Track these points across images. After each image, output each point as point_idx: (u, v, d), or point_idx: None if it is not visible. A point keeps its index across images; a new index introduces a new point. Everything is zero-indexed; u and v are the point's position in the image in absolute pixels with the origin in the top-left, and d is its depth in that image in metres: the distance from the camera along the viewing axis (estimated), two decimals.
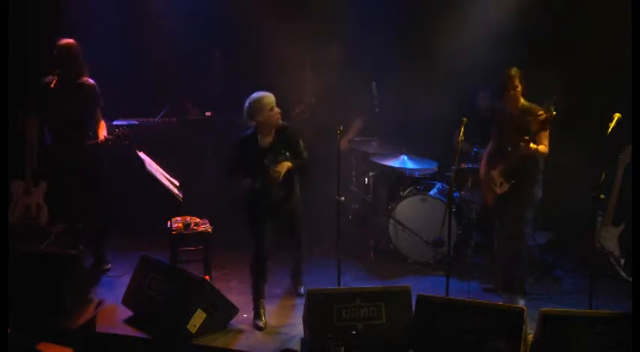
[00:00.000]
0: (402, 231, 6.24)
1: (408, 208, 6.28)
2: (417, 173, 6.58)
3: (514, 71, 5.10)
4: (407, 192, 6.40)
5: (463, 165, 6.19)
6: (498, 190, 5.28)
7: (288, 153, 5.09)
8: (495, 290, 5.53)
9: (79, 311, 4.69)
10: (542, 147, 5.04)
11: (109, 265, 5.93)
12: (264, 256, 5.14)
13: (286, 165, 5.03)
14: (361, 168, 6.73)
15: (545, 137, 5.05)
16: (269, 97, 5.07)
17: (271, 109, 5.06)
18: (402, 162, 6.47)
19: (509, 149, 5.13)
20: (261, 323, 4.98)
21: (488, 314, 4.26)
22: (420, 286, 5.34)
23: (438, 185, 6.47)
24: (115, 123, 6.51)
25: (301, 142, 5.21)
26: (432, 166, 6.56)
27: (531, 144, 4.94)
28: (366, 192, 6.66)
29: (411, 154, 6.53)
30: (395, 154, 6.52)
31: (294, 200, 5.21)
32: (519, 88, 5.11)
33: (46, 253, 5.25)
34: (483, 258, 6.21)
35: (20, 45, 6.43)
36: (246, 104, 5.06)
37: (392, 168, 6.48)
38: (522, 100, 5.16)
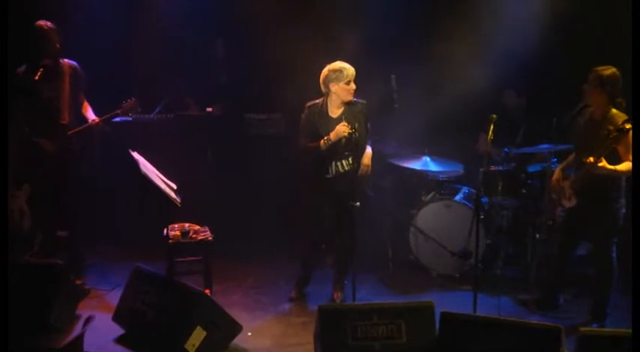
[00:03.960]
0: (424, 241, 6.04)
1: (430, 215, 6.10)
2: (440, 176, 6.43)
3: (595, 71, 4.77)
4: (429, 197, 6.27)
5: (492, 168, 6.07)
6: (567, 203, 5.04)
7: (357, 125, 5.15)
8: (530, 307, 5.37)
9: (65, 329, 4.55)
10: (624, 166, 4.61)
11: (82, 281, 5.63)
12: (318, 242, 5.49)
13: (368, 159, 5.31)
14: (379, 171, 6.39)
15: (627, 151, 4.60)
16: (349, 70, 5.18)
17: (348, 82, 5.18)
18: (425, 163, 6.36)
19: (584, 159, 4.75)
20: (292, 294, 5.52)
21: (520, 334, 4.08)
22: (444, 302, 5.03)
23: (464, 189, 6.33)
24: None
25: (369, 125, 5.29)
26: (457, 168, 6.44)
27: (602, 163, 4.54)
28: (385, 198, 6.50)
29: (435, 155, 6.42)
30: (416, 155, 6.43)
31: (355, 194, 5.15)
32: (602, 91, 4.75)
33: (28, 263, 5.10)
34: (515, 271, 6.08)
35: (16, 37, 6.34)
36: (325, 70, 5.18)
37: (413, 170, 6.38)
38: (611, 107, 4.77)
